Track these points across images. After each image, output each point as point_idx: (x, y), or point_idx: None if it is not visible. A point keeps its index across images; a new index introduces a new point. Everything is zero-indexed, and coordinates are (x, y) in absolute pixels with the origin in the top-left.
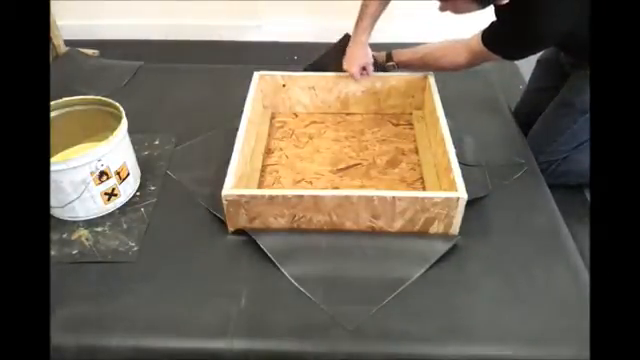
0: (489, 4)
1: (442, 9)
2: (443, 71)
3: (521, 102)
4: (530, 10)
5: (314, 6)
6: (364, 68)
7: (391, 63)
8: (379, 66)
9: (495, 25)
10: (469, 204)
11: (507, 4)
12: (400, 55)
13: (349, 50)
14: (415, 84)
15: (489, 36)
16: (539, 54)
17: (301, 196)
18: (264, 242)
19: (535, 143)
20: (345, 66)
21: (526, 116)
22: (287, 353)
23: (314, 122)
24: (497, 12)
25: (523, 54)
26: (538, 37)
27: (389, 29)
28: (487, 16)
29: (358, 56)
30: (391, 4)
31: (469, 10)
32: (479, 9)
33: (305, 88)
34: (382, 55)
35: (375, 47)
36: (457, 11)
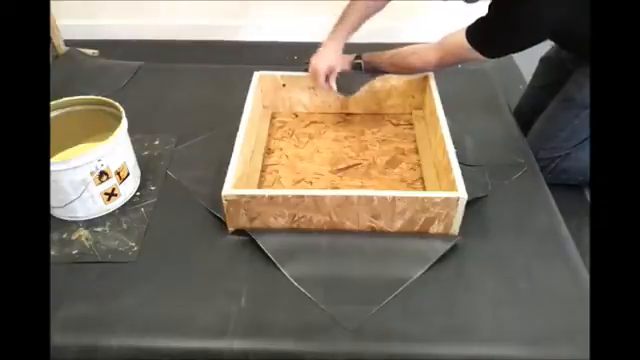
0: None
1: None
2: (413, 71)
3: (523, 100)
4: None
5: (313, 6)
6: (327, 76)
7: (358, 61)
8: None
9: (480, 21)
10: (469, 204)
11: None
12: (369, 56)
13: (322, 46)
14: (415, 84)
15: (473, 32)
16: (541, 53)
17: (301, 196)
18: (264, 242)
19: (536, 138)
20: (312, 62)
21: (528, 114)
22: (287, 353)
23: (314, 122)
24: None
25: (507, 49)
26: (525, 28)
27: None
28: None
29: (329, 57)
30: (393, 4)
31: None
32: None
33: (305, 88)
34: (351, 57)
35: (377, 47)
36: None
